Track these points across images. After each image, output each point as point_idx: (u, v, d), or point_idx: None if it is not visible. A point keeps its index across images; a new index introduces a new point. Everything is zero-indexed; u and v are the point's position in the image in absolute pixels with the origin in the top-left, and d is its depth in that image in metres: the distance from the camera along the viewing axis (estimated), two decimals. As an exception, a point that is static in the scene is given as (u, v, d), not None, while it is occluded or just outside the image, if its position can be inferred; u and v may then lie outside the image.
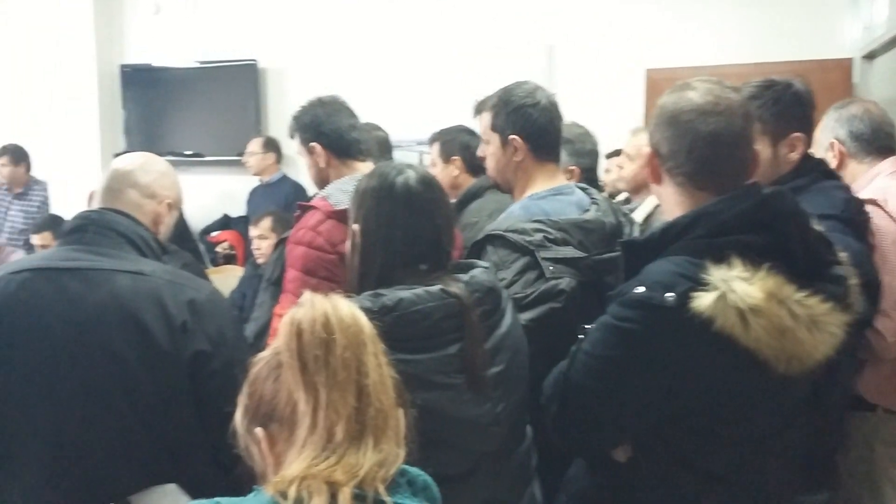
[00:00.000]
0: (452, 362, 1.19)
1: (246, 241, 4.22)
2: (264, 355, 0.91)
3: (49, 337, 1.36)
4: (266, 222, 3.45)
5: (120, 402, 1.37)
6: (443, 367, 1.18)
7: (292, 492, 0.76)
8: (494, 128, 1.77)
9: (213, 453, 1.48)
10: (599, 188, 2.70)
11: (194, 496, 1.32)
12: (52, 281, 1.39)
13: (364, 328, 0.86)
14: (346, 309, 0.86)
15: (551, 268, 1.50)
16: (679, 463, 1.21)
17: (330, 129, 1.98)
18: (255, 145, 4.47)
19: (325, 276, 1.80)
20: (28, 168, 4.72)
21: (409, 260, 1.27)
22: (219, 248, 4.40)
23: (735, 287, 1.05)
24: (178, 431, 1.43)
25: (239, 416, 0.90)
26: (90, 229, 1.46)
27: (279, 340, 0.86)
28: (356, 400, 0.82)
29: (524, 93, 1.74)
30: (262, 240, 3.42)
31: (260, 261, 3.43)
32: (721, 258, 1.08)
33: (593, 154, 2.69)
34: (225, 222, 4.65)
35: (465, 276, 1.27)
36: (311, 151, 2.01)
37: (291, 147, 4.44)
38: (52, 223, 3.73)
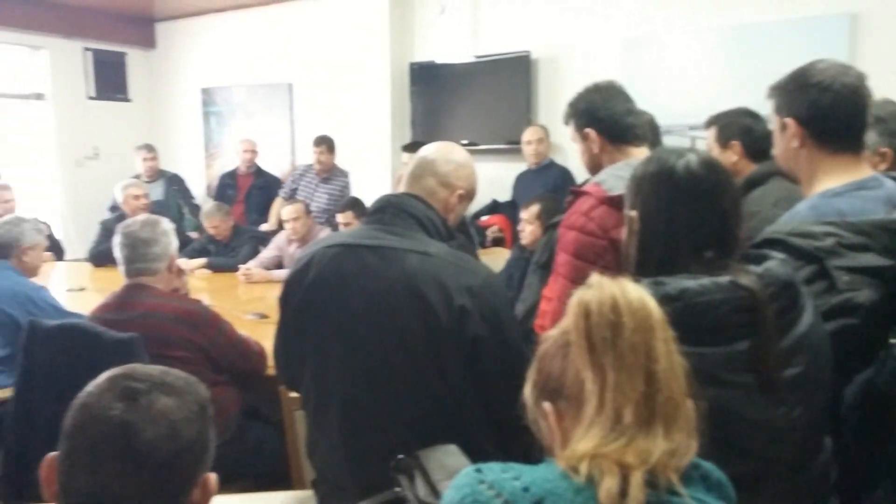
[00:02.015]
0: (741, 359, 1.11)
1: (513, 224, 4.37)
2: (553, 333, 0.93)
3: (350, 305, 1.54)
4: (534, 208, 3.53)
5: (404, 368, 1.50)
6: (730, 364, 1.10)
7: (584, 468, 0.77)
8: (776, 110, 1.62)
9: (492, 428, 1.57)
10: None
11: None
12: (356, 255, 1.56)
13: (653, 313, 0.85)
14: (635, 292, 0.85)
15: (845, 278, 1.30)
16: None
17: (605, 115, 1.95)
18: (539, 133, 4.59)
19: (596, 261, 1.79)
20: (333, 154, 5.39)
21: (693, 247, 1.20)
22: (489, 232, 4.60)
23: None
24: (457, 402, 1.53)
25: (528, 390, 0.93)
26: (389, 211, 1.62)
27: (567, 320, 0.88)
28: (645, 385, 0.81)
29: (815, 71, 1.51)
30: (528, 224, 3.52)
31: (524, 243, 3.53)
32: None
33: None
34: (493, 207, 4.85)
35: (757, 268, 1.17)
36: (585, 137, 2.01)
37: (558, 134, 4.56)
38: (353, 204, 4.23)
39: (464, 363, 1.51)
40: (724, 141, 2.44)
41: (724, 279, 1.13)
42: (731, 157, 2.41)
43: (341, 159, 5.47)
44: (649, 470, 0.77)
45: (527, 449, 1.59)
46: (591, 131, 1.97)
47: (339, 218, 4.23)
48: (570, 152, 4.69)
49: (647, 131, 2.45)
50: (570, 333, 0.87)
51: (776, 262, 1.21)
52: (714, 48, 4.24)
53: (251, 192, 5.77)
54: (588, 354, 0.83)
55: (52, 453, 0.94)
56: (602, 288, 0.86)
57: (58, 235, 5.40)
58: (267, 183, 5.82)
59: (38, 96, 6.42)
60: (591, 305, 0.85)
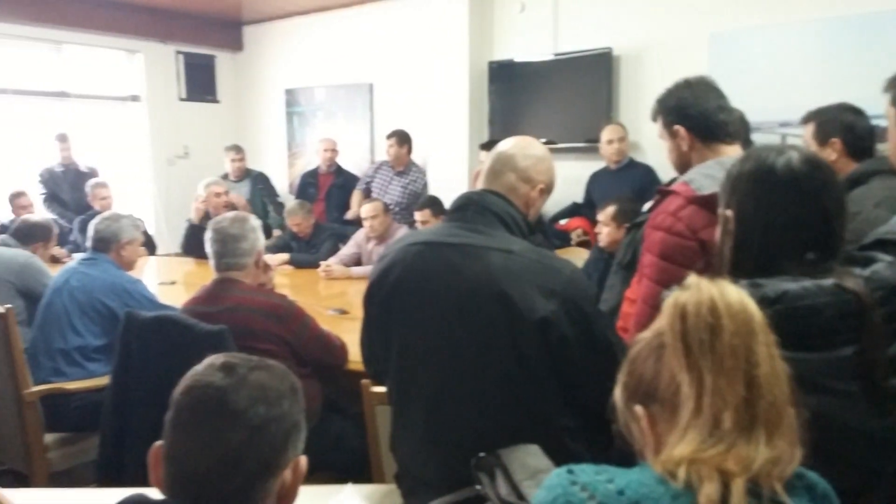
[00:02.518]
0: (846, 366, 1.06)
1: (594, 225, 4.30)
2: (645, 335, 0.91)
3: (435, 303, 1.54)
4: (610, 209, 3.46)
5: (488, 366, 1.50)
6: (834, 371, 1.05)
7: (681, 473, 0.75)
8: (893, 101, 1.53)
9: (575, 428, 1.55)
10: None
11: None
12: (439, 253, 1.57)
13: (754, 316, 0.81)
14: (735, 295, 0.82)
15: None
16: None
17: (696, 112, 1.89)
18: (618, 132, 4.48)
19: (683, 262, 1.73)
20: (409, 150, 5.44)
21: (794, 248, 1.16)
22: (574, 235, 4.54)
23: None
24: (541, 400, 1.52)
25: (618, 393, 0.92)
26: (470, 209, 1.61)
27: (661, 321, 0.86)
28: (745, 390, 0.78)
29: None
30: (605, 225, 3.46)
31: (601, 244, 3.48)
32: None
33: None
34: (574, 209, 4.77)
35: (864, 271, 1.11)
36: (673, 135, 1.95)
37: (639, 132, 4.46)
38: (431, 203, 4.26)
39: (548, 361, 1.49)
40: (822, 138, 2.33)
41: (827, 282, 1.08)
42: (830, 154, 2.30)
43: (419, 157, 5.53)
44: (751, 478, 0.75)
45: (609, 450, 1.57)
46: (680, 128, 1.91)
47: (417, 216, 4.27)
48: (650, 151, 4.58)
49: (740, 129, 2.37)
50: (665, 335, 0.85)
51: (884, 265, 1.14)
52: (809, 41, 4.05)
53: (331, 190, 5.89)
54: (684, 357, 0.81)
55: (159, 441, 1.01)
56: (700, 289, 0.83)
57: (150, 231, 5.65)
58: (347, 182, 5.93)
59: (134, 98, 6.76)
60: (687, 307, 0.82)
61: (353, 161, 6.30)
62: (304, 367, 2.44)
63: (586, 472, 0.82)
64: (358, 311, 3.32)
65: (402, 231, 4.51)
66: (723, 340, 0.80)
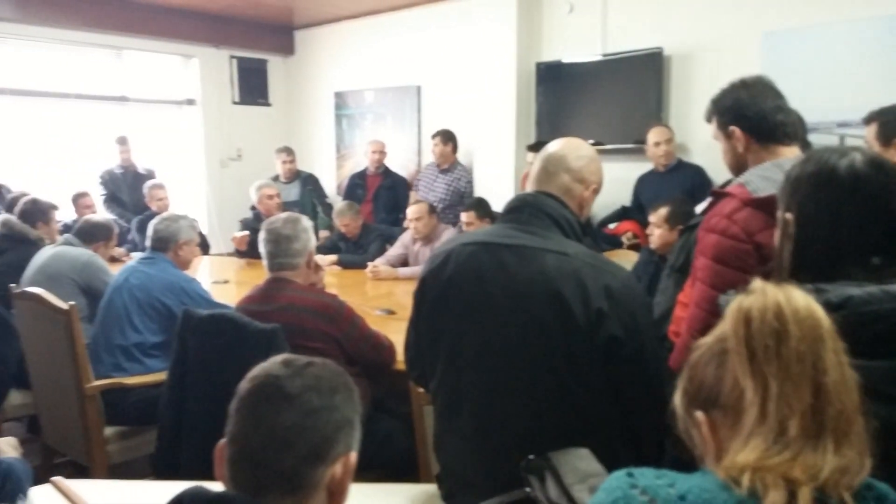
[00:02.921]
0: (913, 374, 1.02)
1: (644, 228, 4.24)
2: (707, 340, 0.90)
3: (489, 303, 1.54)
4: (662, 211, 3.41)
5: (541, 368, 1.49)
6: (900, 379, 1.03)
7: (745, 480, 0.74)
8: None
9: (625, 432, 1.54)
10: None
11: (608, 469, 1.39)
12: (494, 254, 1.57)
13: (822, 322, 0.79)
14: (802, 300, 0.80)
15: None
16: None
17: (753, 112, 1.85)
18: (665, 134, 4.41)
19: (738, 266, 1.70)
20: (454, 149, 5.46)
21: (858, 252, 1.13)
22: (624, 238, 4.49)
23: None
24: (592, 404, 1.51)
25: (678, 398, 0.91)
26: (525, 210, 1.62)
27: (724, 326, 0.84)
28: (812, 397, 0.76)
29: None
30: (656, 227, 3.41)
31: (652, 247, 3.43)
32: None
33: None
34: (623, 213, 4.71)
35: (933, 276, 1.08)
36: (729, 136, 1.92)
37: (690, 133, 4.39)
38: (478, 205, 4.26)
39: (599, 365, 1.48)
40: (886, 139, 2.26)
41: (893, 287, 1.04)
42: (893, 155, 2.22)
43: (465, 158, 5.54)
44: (818, 487, 0.73)
45: (660, 455, 1.55)
46: (736, 129, 1.87)
47: (463, 217, 4.27)
48: (699, 152, 4.50)
49: (798, 129, 2.31)
50: (728, 340, 0.84)
51: (954, 271, 1.10)
52: (867, 39, 3.92)
53: (379, 191, 5.95)
54: (748, 363, 0.80)
55: (224, 440, 1.08)
56: (765, 294, 0.82)
57: (203, 231, 5.79)
58: (394, 183, 5.98)
59: (190, 102, 6.94)
60: (752, 312, 0.81)
61: (401, 163, 6.35)
62: (353, 366, 2.47)
63: (646, 475, 0.81)
64: (405, 312, 3.35)
65: (448, 232, 4.52)
66: (789, 346, 0.78)
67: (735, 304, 0.83)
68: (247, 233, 4.97)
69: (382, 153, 6.01)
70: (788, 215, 1.24)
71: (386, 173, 6.03)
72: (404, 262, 4.59)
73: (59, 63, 6.11)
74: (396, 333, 2.75)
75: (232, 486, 1.05)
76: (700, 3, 4.54)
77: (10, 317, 3.06)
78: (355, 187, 6.07)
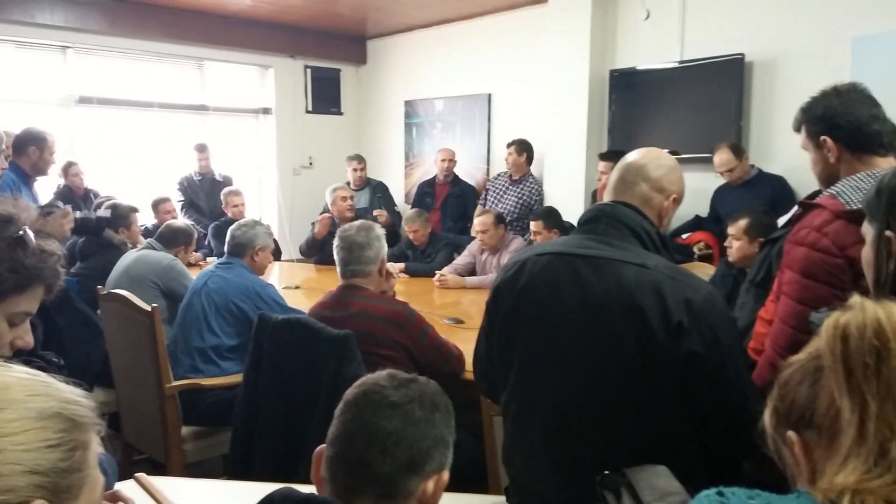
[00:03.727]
0: None
1: (719, 240, 4.11)
2: (799, 358, 0.86)
3: (564, 314, 1.51)
4: (742, 222, 3.30)
5: (615, 382, 1.46)
6: None
7: (845, 502, 0.71)
8: None
9: (703, 450, 1.49)
10: None
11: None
12: (569, 265, 1.53)
13: None
14: None
15: None
16: None
17: (846, 122, 1.76)
18: (728, 157, 4.23)
19: (828, 281, 1.63)
20: (529, 160, 5.43)
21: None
22: (696, 248, 4.36)
23: None
24: (669, 421, 1.46)
25: (768, 417, 0.87)
26: (602, 221, 1.58)
27: (819, 343, 0.81)
28: None
29: None
30: (735, 239, 3.30)
31: (731, 259, 3.32)
32: None
33: None
34: (696, 223, 4.58)
35: None
36: (819, 146, 1.84)
37: (772, 142, 4.22)
38: (547, 214, 4.23)
39: (677, 381, 1.44)
40: None
41: None
42: None
43: (535, 167, 5.51)
44: None
45: (737, 475, 1.48)
46: (828, 139, 1.79)
47: (532, 226, 4.24)
48: (778, 162, 4.32)
49: (894, 139, 2.20)
50: (824, 358, 0.80)
51: None
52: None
53: (448, 199, 5.97)
54: (846, 382, 0.76)
55: (322, 445, 1.13)
56: (864, 310, 0.78)
57: (275, 237, 5.93)
58: (462, 192, 5.99)
59: (266, 111, 7.14)
60: (850, 328, 0.77)
61: (469, 171, 6.36)
62: (421, 375, 2.47)
63: (738, 495, 0.79)
64: (472, 322, 3.34)
65: (517, 242, 4.50)
66: (890, 365, 0.75)
67: (831, 320, 0.80)
68: (329, 214, 5.05)
69: (452, 161, 6.03)
70: (889, 233, 1.18)
71: (455, 181, 6.05)
72: (472, 272, 4.59)
73: (145, 74, 6.39)
74: (464, 343, 2.74)
75: (330, 486, 1.09)
76: (785, 7, 4.38)
77: (97, 318, 3.20)
78: (424, 195, 6.11)
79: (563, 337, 1.52)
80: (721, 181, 4.46)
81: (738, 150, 4.26)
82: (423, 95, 6.92)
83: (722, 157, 4.27)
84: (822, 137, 1.80)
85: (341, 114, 7.54)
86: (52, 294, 1.28)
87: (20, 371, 0.68)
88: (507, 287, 1.64)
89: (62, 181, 5.38)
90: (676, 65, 4.85)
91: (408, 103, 7.07)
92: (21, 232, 1.21)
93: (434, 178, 6.17)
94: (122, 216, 4.00)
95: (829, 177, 1.85)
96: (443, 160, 6.00)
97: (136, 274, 3.36)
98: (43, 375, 0.70)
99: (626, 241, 1.54)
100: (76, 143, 6.00)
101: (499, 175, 5.72)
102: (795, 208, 1.88)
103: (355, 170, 6.15)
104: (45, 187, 4.86)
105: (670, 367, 1.43)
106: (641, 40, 5.09)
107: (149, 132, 6.46)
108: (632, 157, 1.70)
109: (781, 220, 2.29)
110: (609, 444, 1.48)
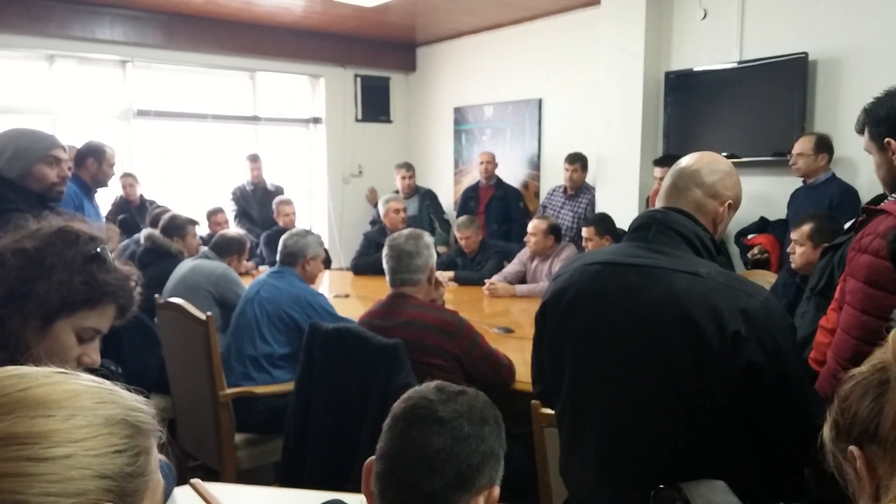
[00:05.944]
0: None
1: (782, 246, 3.96)
2: (861, 370, 0.83)
3: (613, 326, 1.48)
4: (805, 227, 3.17)
5: (668, 394, 1.42)
6: None
7: None
8: None
9: (760, 464, 1.43)
10: None
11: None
12: (618, 274, 1.50)
13: None
14: None
15: None
16: None
17: (911, 123, 1.69)
18: (804, 145, 4.01)
19: (894, 289, 1.56)
20: (585, 172, 5.38)
21: None
22: (749, 254, 4.21)
23: None
24: (725, 435, 1.41)
25: (827, 431, 0.84)
26: (653, 228, 1.54)
27: (884, 355, 0.77)
28: None
29: None
30: (798, 245, 3.17)
31: (794, 266, 3.19)
32: None
33: None
34: (762, 225, 4.41)
35: None
36: (883, 148, 1.76)
37: (839, 145, 4.05)
38: (599, 221, 4.17)
39: (733, 392, 1.38)
40: None
41: None
42: None
43: (588, 173, 5.43)
44: None
45: (799, 490, 1.42)
46: (892, 141, 1.72)
47: (584, 232, 4.18)
48: (851, 167, 4.14)
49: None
50: (890, 370, 0.76)
51: None
52: None
53: (491, 203, 5.94)
54: None
55: (372, 457, 1.13)
56: None
57: (325, 246, 6.00)
58: (506, 194, 5.96)
59: (316, 120, 7.24)
60: None
61: (519, 178, 6.32)
62: (471, 384, 2.45)
63: None
64: (522, 331, 3.30)
65: (568, 249, 4.44)
66: None
67: (895, 332, 0.76)
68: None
69: (492, 164, 6.00)
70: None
71: (498, 184, 6.03)
72: (522, 280, 4.55)
73: (199, 86, 6.56)
74: (514, 352, 2.71)
75: (379, 502, 1.09)
76: (851, 4, 4.18)
77: (154, 326, 3.28)
78: (468, 200, 6.11)
79: (613, 349, 1.49)
80: (785, 183, 4.28)
81: (821, 144, 3.97)
82: (472, 102, 6.92)
83: (800, 143, 4.03)
84: (886, 139, 1.73)
85: (391, 122, 7.60)
86: (125, 317, 1.31)
87: (87, 379, 0.70)
88: (555, 299, 1.62)
89: (121, 192, 5.56)
90: (735, 65, 4.71)
91: (457, 110, 7.08)
92: (99, 249, 1.25)
93: (477, 182, 6.16)
94: (178, 227, 4.09)
95: (892, 180, 1.77)
96: (481, 162, 5.99)
97: (192, 283, 3.44)
98: (108, 383, 0.72)
99: (678, 249, 1.50)
100: (134, 155, 6.19)
101: (554, 190, 5.67)
102: (859, 213, 1.80)
103: (404, 178, 6.18)
104: (106, 198, 5.02)
105: (727, 378, 1.38)
106: (698, 41, 4.96)
107: (203, 143, 6.63)
108: (685, 161, 1.65)
109: (846, 226, 2.21)
110: (662, 457, 1.44)
